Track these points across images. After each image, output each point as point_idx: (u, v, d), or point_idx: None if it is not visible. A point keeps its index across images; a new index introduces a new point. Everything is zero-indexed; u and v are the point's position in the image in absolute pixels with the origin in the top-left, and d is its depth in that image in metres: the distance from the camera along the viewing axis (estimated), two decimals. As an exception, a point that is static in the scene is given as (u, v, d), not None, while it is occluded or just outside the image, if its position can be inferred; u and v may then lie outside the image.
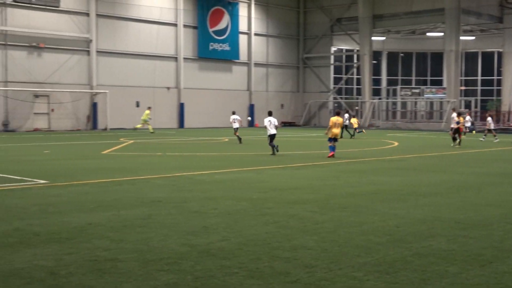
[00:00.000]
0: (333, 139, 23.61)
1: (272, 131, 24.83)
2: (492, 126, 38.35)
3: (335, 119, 23.86)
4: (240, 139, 31.84)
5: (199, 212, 11.21)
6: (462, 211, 11.68)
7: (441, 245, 8.78)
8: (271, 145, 24.78)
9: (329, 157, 23.22)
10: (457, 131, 31.31)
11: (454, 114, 32.74)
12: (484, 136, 38.20)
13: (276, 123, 25.37)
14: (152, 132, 43.82)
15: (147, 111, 45.48)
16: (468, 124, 39.16)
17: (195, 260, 7.81)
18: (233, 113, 33.95)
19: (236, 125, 32.46)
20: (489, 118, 39.00)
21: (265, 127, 25.18)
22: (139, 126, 45.87)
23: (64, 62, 47.75)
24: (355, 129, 41.20)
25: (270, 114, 25.96)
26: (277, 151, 24.57)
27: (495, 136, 37.34)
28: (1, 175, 16.93)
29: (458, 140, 31.37)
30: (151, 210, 11.43)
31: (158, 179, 16.25)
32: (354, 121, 42.05)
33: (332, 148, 23.57)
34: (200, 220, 10.48)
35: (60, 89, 47.36)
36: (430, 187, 15.26)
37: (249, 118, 39.70)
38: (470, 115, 44.73)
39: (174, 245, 8.62)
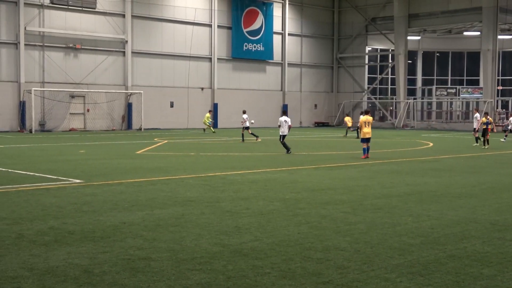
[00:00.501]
0: (366, 140, 23.35)
1: (286, 131, 25.31)
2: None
3: (364, 118, 23.62)
4: (253, 136, 33.52)
5: (231, 212, 11.24)
6: (497, 212, 11.51)
7: (476, 247, 8.67)
8: (283, 144, 25.38)
9: (363, 158, 23.10)
10: (485, 132, 30.62)
11: (477, 115, 32.53)
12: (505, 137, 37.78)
13: (290, 123, 25.71)
14: (204, 130, 45.98)
15: (208, 115, 45.75)
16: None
17: (227, 260, 7.83)
18: (244, 112, 34.87)
19: (247, 124, 34.09)
20: (511, 118, 38.33)
21: (279, 126, 25.55)
22: (208, 127, 45.64)
23: (100, 63, 48.30)
24: (349, 128, 40.80)
25: (284, 113, 26.45)
26: (289, 152, 25.08)
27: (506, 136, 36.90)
28: (37, 174, 17.19)
29: (486, 141, 30.65)
30: (184, 209, 11.51)
31: (191, 179, 16.33)
32: (347, 119, 41.53)
33: (366, 150, 23.33)
34: (232, 220, 10.51)
35: (96, 89, 47.95)
36: (465, 188, 15.07)
37: (253, 122, 39.58)
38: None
39: (207, 244, 8.65)
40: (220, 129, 52.86)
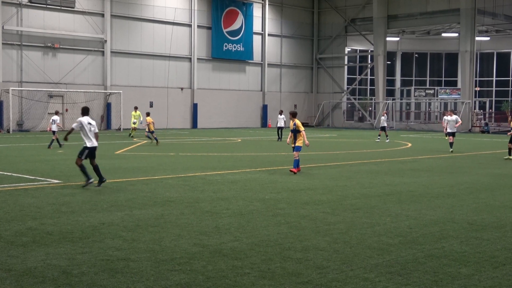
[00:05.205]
0: (293, 149, 18.71)
1: (94, 142, 15.03)
2: (385, 124, 37.74)
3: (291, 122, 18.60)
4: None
5: (211, 212, 11.23)
6: (475, 212, 11.62)
7: (453, 246, 8.74)
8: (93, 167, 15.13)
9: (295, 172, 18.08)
10: None
11: (448, 117, 27.88)
12: (379, 137, 37.97)
13: (96, 130, 15.16)
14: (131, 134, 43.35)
15: (135, 113, 43.65)
16: (385, 125, 37.79)
17: (207, 260, 7.82)
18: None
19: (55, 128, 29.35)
20: (383, 118, 38.32)
21: (77, 130, 15.00)
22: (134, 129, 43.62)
23: (79, 63, 47.97)
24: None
25: (86, 112, 15.12)
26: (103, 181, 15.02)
27: (386, 135, 37.06)
28: (15, 174, 17.04)
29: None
30: (164, 210, 11.47)
31: (171, 179, 16.29)
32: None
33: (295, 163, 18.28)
34: (212, 220, 10.50)
35: (75, 89, 47.61)
36: (443, 188, 15.19)
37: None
38: (387, 114, 42.46)
39: (186, 245, 8.64)
40: (199, 130, 52.75)
